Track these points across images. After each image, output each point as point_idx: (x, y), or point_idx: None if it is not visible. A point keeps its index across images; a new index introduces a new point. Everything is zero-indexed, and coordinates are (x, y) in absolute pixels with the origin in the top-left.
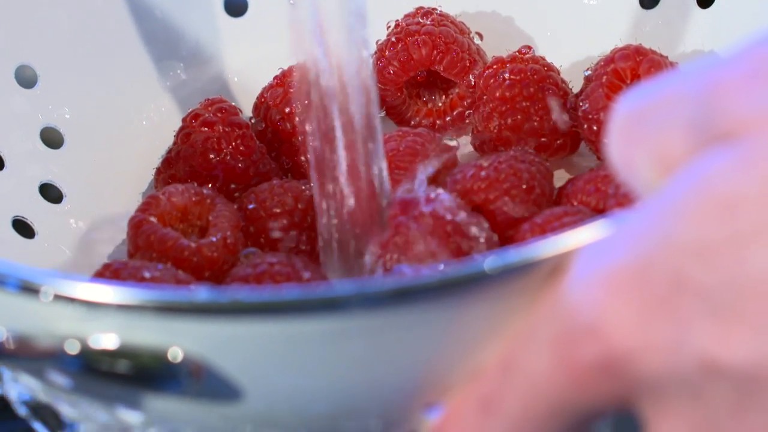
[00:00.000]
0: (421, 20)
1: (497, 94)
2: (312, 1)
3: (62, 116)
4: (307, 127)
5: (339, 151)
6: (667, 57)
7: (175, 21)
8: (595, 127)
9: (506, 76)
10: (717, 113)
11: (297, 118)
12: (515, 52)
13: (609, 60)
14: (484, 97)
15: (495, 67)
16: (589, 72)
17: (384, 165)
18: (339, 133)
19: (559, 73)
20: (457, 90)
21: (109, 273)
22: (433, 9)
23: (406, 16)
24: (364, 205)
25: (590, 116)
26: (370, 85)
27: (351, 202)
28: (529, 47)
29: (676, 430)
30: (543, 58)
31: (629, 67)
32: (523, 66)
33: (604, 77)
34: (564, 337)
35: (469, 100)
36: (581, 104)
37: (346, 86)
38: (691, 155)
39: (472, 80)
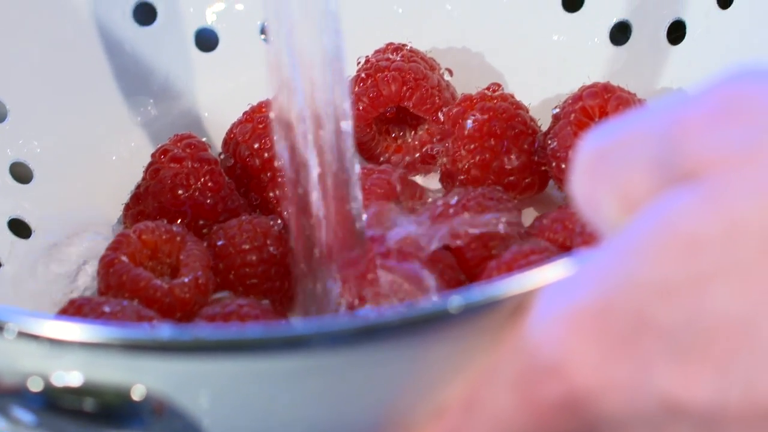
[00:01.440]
0: (391, 56)
1: (465, 133)
2: (286, 38)
3: (32, 151)
4: (281, 161)
5: (313, 182)
6: (635, 94)
7: (145, 56)
8: (563, 165)
9: (475, 114)
10: (680, 152)
11: (267, 154)
12: (484, 89)
13: (577, 98)
14: (453, 135)
15: (463, 105)
16: (557, 110)
17: (359, 194)
18: (314, 165)
19: (527, 111)
20: (426, 126)
21: (73, 309)
22: (403, 45)
23: (376, 52)
24: (340, 234)
25: (558, 154)
26: (346, 116)
27: (326, 232)
28: (499, 85)
29: None
30: (512, 96)
31: (597, 104)
32: (491, 104)
33: (572, 115)
34: (527, 376)
35: (438, 137)
36: (549, 142)
37: (321, 118)
38: (654, 194)
39: (441, 117)
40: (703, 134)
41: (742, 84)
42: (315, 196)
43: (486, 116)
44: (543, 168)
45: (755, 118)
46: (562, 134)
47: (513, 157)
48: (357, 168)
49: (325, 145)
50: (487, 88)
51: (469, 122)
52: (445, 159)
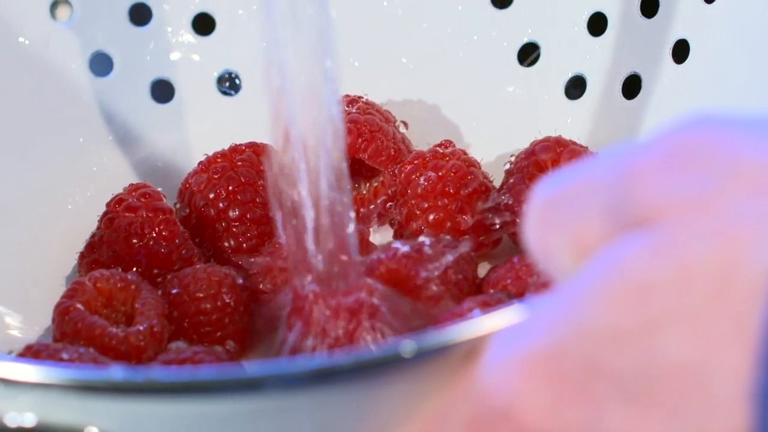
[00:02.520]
0: (346, 108)
1: (419, 191)
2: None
3: None
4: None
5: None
6: (587, 147)
7: (101, 105)
8: (518, 220)
9: (427, 173)
10: (631, 200)
11: (221, 204)
12: (436, 146)
13: (530, 152)
14: (406, 194)
15: (416, 163)
16: (510, 165)
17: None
18: (306, 196)
19: (480, 167)
20: (381, 178)
21: (30, 354)
22: (359, 97)
23: None
24: (336, 259)
25: (515, 209)
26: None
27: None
28: (450, 141)
29: None
30: (464, 153)
31: (550, 158)
32: (443, 162)
33: (526, 170)
34: (478, 420)
35: (393, 189)
36: (503, 198)
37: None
38: (605, 241)
39: (395, 173)
40: (653, 181)
41: (693, 131)
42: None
43: (438, 174)
44: (497, 226)
45: (706, 165)
46: (515, 189)
47: (467, 217)
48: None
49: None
50: (439, 145)
51: (422, 180)
52: (398, 217)
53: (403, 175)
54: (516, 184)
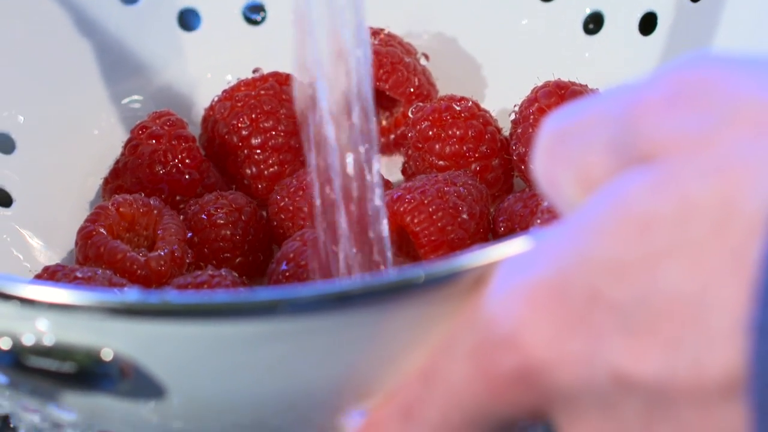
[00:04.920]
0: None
1: (435, 151)
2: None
3: (15, 122)
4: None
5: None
6: (587, 85)
7: (128, 33)
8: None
9: (448, 135)
10: (636, 135)
11: (244, 131)
12: (452, 101)
13: (532, 100)
14: (420, 148)
15: (431, 119)
16: (515, 116)
17: (378, 168)
18: (333, 141)
19: (493, 123)
20: (401, 109)
21: (47, 275)
22: (381, 30)
23: None
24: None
25: (527, 158)
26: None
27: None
28: (465, 98)
29: None
30: (478, 107)
31: (553, 102)
32: (460, 122)
33: (531, 118)
34: (482, 348)
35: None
36: (514, 147)
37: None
38: (611, 175)
39: (411, 114)
40: (658, 118)
41: (696, 69)
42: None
43: (457, 135)
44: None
45: (708, 103)
46: (525, 137)
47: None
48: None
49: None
50: (456, 100)
51: (437, 146)
52: (412, 164)
53: (417, 130)
54: (525, 132)
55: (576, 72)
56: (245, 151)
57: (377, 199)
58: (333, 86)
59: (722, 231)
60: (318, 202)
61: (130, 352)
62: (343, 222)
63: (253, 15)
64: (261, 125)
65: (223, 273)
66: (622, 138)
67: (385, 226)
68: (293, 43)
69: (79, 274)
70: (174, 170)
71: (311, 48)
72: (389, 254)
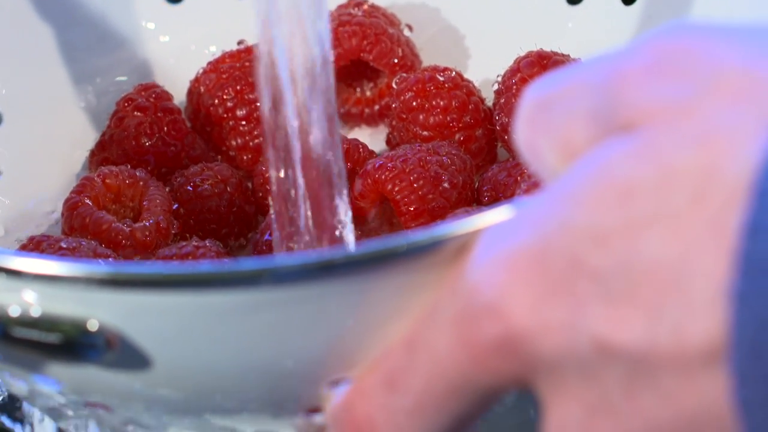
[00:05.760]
0: (352, 11)
1: (419, 122)
2: None
3: (1, 95)
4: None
5: (294, 140)
6: (569, 55)
7: (113, 4)
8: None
9: (429, 104)
10: (618, 103)
11: (230, 103)
12: (435, 71)
13: (515, 70)
14: (404, 118)
15: (415, 90)
16: (497, 86)
17: (340, 152)
18: (293, 121)
19: (477, 93)
20: (385, 80)
21: (32, 245)
22: (365, 1)
23: (339, 6)
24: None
25: (510, 128)
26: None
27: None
28: (448, 68)
29: (570, 409)
30: (461, 77)
31: (536, 72)
32: (444, 92)
33: (514, 88)
34: (465, 316)
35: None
36: (497, 118)
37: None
38: (592, 143)
39: (395, 86)
40: (639, 86)
41: (677, 38)
42: (297, 157)
43: (440, 106)
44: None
45: (689, 71)
46: (508, 108)
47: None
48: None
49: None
50: (439, 71)
51: (421, 117)
52: (396, 135)
53: (401, 101)
54: (508, 102)
55: (558, 42)
56: (230, 123)
57: (337, 167)
58: (293, 52)
59: (702, 199)
60: (275, 176)
61: (115, 323)
62: (301, 196)
63: None
64: (246, 97)
65: (208, 244)
66: (604, 106)
67: (345, 198)
68: (255, 11)
69: (64, 245)
70: (160, 142)
71: (271, 12)
72: (350, 233)
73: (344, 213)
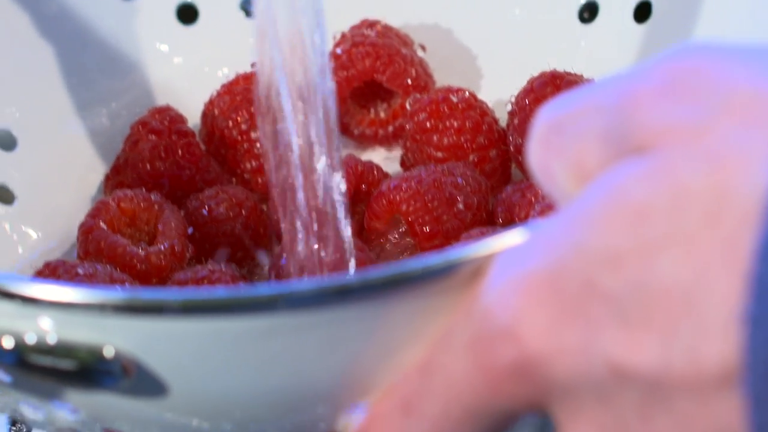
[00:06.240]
0: (365, 32)
1: (433, 143)
2: (268, 9)
3: (16, 118)
4: (261, 134)
5: (295, 160)
6: (582, 75)
7: (127, 27)
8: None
9: (442, 125)
10: (631, 125)
11: (244, 125)
12: (449, 92)
13: (528, 90)
14: (417, 139)
15: (429, 111)
16: (511, 107)
17: (341, 175)
18: (295, 145)
19: (491, 113)
20: (399, 101)
21: (48, 271)
22: (378, 21)
23: (352, 27)
24: (322, 218)
25: (524, 149)
26: (328, 91)
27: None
28: (462, 89)
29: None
30: (474, 98)
31: (549, 92)
32: (457, 113)
33: (527, 108)
34: (480, 340)
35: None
36: (511, 138)
37: (304, 92)
38: (605, 166)
39: (408, 107)
40: (651, 108)
41: (690, 58)
42: (299, 177)
43: (454, 127)
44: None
45: (701, 92)
46: (522, 128)
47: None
48: (338, 140)
49: (308, 122)
50: (452, 91)
51: (435, 138)
52: (410, 156)
53: (415, 122)
54: (522, 122)
55: (571, 61)
56: (245, 145)
57: (337, 193)
58: (292, 75)
59: (716, 220)
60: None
61: (131, 349)
62: (303, 214)
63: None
64: None
65: (223, 268)
66: (617, 128)
67: (345, 221)
68: (254, 32)
69: (80, 271)
70: (174, 166)
71: (271, 37)
72: (351, 253)
73: (347, 233)
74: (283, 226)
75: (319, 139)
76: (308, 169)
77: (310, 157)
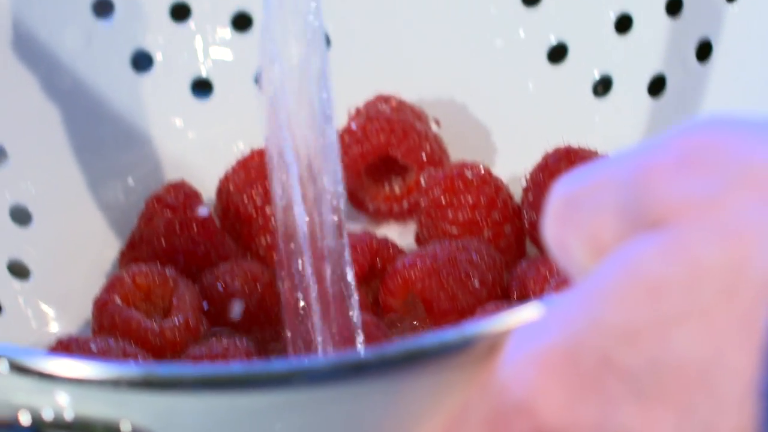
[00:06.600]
0: (380, 107)
1: (448, 218)
2: (277, 85)
3: (31, 194)
4: (274, 208)
5: (303, 239)
6: (596, 150)
7: (141, 101)
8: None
9: (457, 200)
10: (646, 199)
11: (259, 201)
12: (464, 167)
13: (543, 166)
14: (432, 215)
15: (444, 186)
16: (525, 182)
17: (348, 252)
18: (303, 224)
19: (505, 189)
20: (413, 176)
21: (61, 348)
22: (392, 96)
23: (367, 102)
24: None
25: (539, 225)
26: (336, 169)
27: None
28: (476, 165)
29: None
30: (489, 174)
31: (563, 168)
32: (472, 189)
33: (542, 184)
34: (496, 415)
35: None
36: (526, 214)
37: (312, 168)
38: (621, 240)
39: (423, 182)
40: (667, 182)
41: (706, 132)
42: (306, 254)
43: (468, 203)
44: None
45: (718, 167)
46: (536, 204)
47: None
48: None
49: (316, 202)
50: (467, 167)
51: (450, 213)
52: (425, 231)
53: (430, 197)
54: (535, 199)
55: (585, 135)
56: (260, 221)
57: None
58: (299, 150)
59: (732, 295)
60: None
61: (148, 425)
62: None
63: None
64: None
65: (238, 343)
66: (632, 202)
67: (353, 298)
68: (263, 103)
69: (93, 346)
70: (189, 241)
71: (280, 111)
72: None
73: (355, 310)
74: (289, 301)
75: (327, 215)
76: (315, 244)
77: (321, 231)
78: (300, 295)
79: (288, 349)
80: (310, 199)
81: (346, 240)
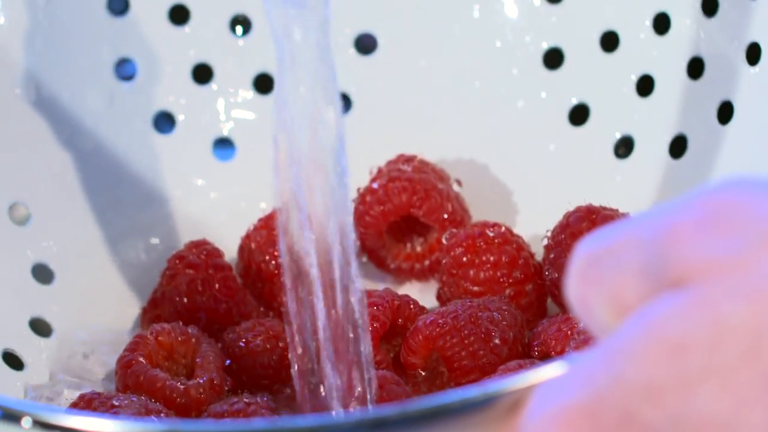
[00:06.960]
0: (402, 167)
1: (470, 278)
2: (292, 144)
3: (53, 252)
4: (283, 266)
5: (317, 293)
6: (618, 210)
7: (164, 161)
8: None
9: (479, 260)
10: (669, 259)
11: (281, 259)
12: (485, 227)
13: (564, 225)
14: (454, 274)
15: (465, 246)
16: (547, 241)
17: (365, 316)
18: (317, 284)
19: (527, 248)
20: (435, 235)
21: (83, 403)
22: (414, 156)
23: (389, 162)
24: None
25: (560, 284)
26: (349, 233)
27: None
28: (498, 224)
29: None
30: (510, 233)
31: (585, 227)
32: (494, 248)
33: (563, 243)
34: None
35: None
36: (547, 273)
37: (326, 234)
38: (644, 299)
39: (445, 241)
40: (690, 242)
41: (730, 192)
42: (318, 307)
43: (490, 261)
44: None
45: (740, 227)
46: (558, 263)
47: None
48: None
49: (329, 258)
50: (488, 226)
51: (472, 272)
52: (446, 290)
53: (451, 256)
54: (557, 258)
55: (607, 196)
56: (282, 279)
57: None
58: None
59: (754, 354)
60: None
61: None
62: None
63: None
64: None
65: (258, 400)
66: (655, 262)
67: (368, 351)
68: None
69: (115, 402)
70: (211, 299)
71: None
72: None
73: (370, 367)
74: (303, 358)
75: (338, 274)
76: (329, 303)
77: (332, 290)
78: (312, 350)
79: (313, 406)
80: (322, 257)
81: (357, 297)
